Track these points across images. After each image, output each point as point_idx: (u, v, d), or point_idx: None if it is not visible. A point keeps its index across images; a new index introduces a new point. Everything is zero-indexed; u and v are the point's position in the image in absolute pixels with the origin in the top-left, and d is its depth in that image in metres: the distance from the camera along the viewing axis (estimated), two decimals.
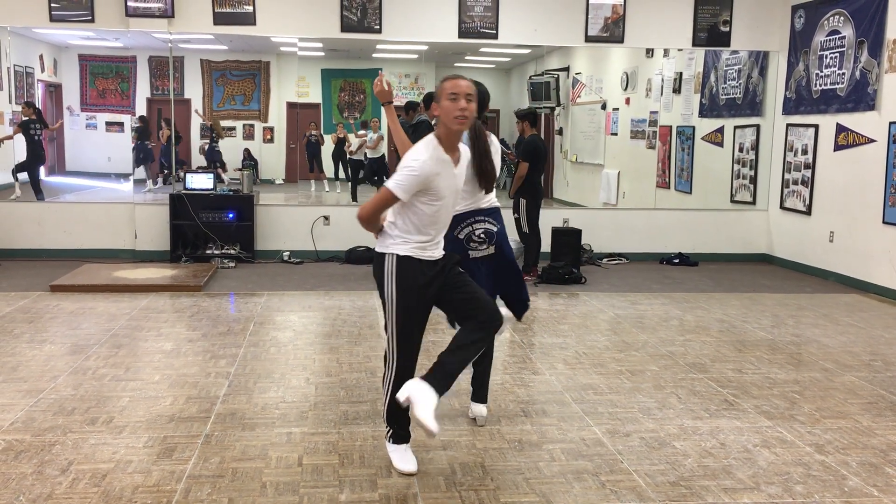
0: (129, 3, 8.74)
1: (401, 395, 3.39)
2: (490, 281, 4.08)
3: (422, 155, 3.38)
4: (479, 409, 4.25)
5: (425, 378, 3.42)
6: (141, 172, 13.39)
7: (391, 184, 3.36)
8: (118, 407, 4.37)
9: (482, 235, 4.02)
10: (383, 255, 3.50)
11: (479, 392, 4.28)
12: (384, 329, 3.64)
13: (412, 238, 3.46)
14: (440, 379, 3.44)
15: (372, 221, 3.48)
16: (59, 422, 4.13)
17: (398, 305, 3.48)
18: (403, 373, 3.54)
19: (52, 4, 8.70)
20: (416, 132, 8.21)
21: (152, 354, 5.41)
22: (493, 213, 4.08)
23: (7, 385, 4.68)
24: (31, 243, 9.11)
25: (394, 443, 3.71)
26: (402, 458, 3.66)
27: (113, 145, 14.24)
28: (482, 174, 3.94)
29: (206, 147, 13.82)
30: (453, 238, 3.97)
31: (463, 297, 3.55)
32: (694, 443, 4.04)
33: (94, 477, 3.49)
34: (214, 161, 13.62)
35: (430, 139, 3.46)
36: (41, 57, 12.99)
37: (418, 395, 3.36)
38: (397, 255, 3.46)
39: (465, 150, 3.64)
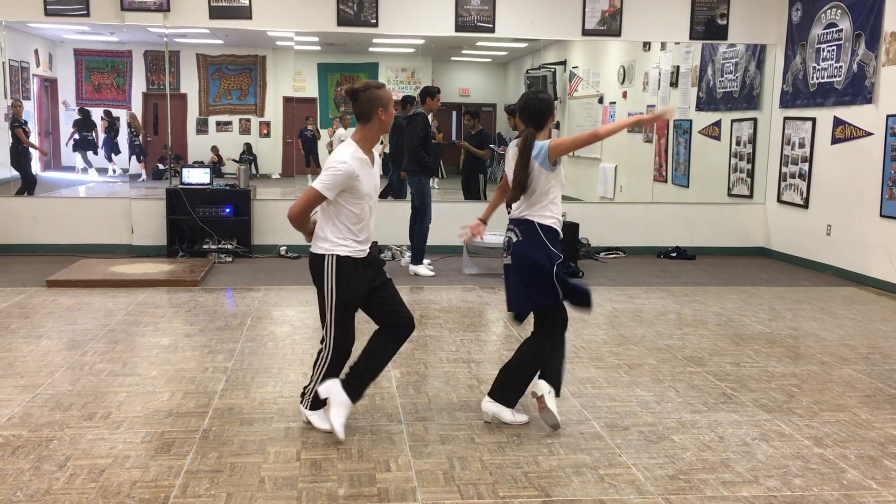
0: None
1: (322, 391, 3.84)
2: (520, 287, 4.10)
3: (346, 156, 3.68)
4: (544, 386, 4.10)
5: (344, 383, 3.86)
6: (81, 161, 13.72)
7: (317, 184, 3.67)
8: (115, 402, 4.36)
9: (505, 243, 4.15)
10: (322, 255, 3.79)
11: (554, 378, 4.17)
12: (321, 320, 3.94)
13: (347, 238, 3.78)
14: (355, 387, 3.89)
15: (301, 221, 3.80)
16: (56, 417, 4.11)
17: (337, 303, 3.81)
18: (337, 362, 3.95)
19: None
20: (410, 124, 8.20)
21: (149, 349, 5.40)
22: (522, 223, 4.06)
23: (4, 380, 4.67)
24: (27, 238, 9.09)
25: (311, 409, 4.02)
26: (323, 418, 3.95)
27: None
28: (517, 182, 4.00)
29: (131, 142, 13.80)
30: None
31: (384, 303, 3.95)
32: (692, 436, 4.04)
33: (92, 472, 3.48)
34: (86, 151, 13.73)
35: (352, 143, 3.77)
36: (36, 52, 12.93)
37: (337, 398, 3.82)
38: (337, 256, 3.77)
39: (377, 152, 3.98)
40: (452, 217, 8.42)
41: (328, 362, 3.94)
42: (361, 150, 3.78)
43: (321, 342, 3.99)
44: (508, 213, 4.16)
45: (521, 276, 4.07)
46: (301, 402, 4.11)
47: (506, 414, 4.11)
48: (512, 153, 4.11)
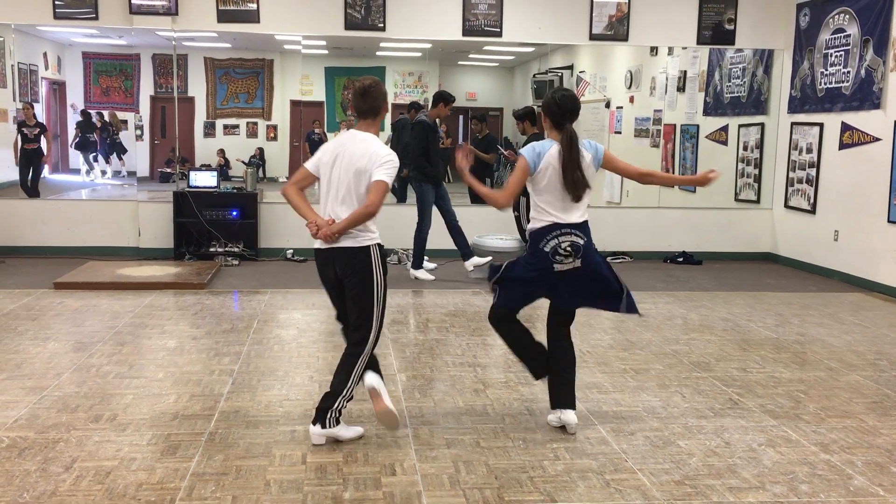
0: (132, 1, 8.73)
1: (367, 381, 3.88)
2: (575, 293, 4.12)
3: (389, 149, 3.83)
4: (570, 417, 4.11)
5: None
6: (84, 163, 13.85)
7: (386, 177, 3.74)
8: (122, 404, 4.37)
9: (568, 248, 3.98)
10: (369, 247, 3.80)
11: (568, 398, 4.15)
12: (361, 316, 3.83)
13: (375, 228, 3.87)
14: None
15: (377, 214, 3.78)
16: (62, 419, 4.12)
17: (385, 291, 3.89)
18: (372, 356, 3.96)
19: (56, 2, 8.70)
20: (413, 130, 8.20)
21: (156, 352, 5.41)
22: (581, 227, 4.03)
23: (11, 382, 4.68)
24: (34, 241, 9.11)
25: (337, 424, 3.88)
26: (348, 427, 3.95)
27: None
28: (572, 183, 3.96)
29: (108, 140, 13.86)
30: (538, 250, 4.00)
31: None
32: (699, 442, 4.03)
33: (98, 474, 3.49)
34: (116, 153, 13.80)
35: (374, 137, 3.87)
36: (45, 55, 12.99)
37: (380, 386, 3.89)
38: (379, 244, 3.87)
39: None
40: (462, 220, 8.38)
41: (367, 357, 3.85)
42: None
43: (354, 345, 3.84)
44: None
45: (593, 277, 4.13)
46: (319, 424, 3.83)
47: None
48: (555, 153, 3.99)
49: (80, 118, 13.74)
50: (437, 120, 8.33)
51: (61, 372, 4.89)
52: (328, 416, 3.83)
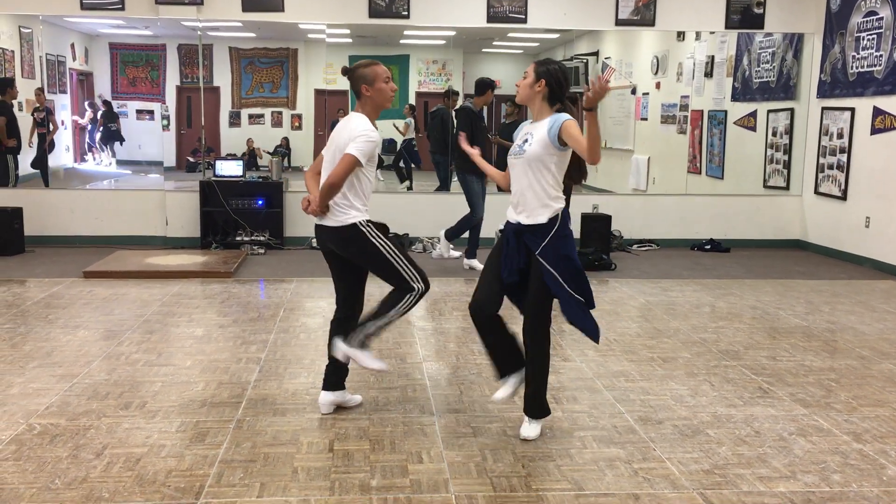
0: None
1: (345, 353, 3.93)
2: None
3: (370, 126, 3.85)
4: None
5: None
6: (107, 153, 13.88)
7: (355, 151, 3.75)
8: (151, 392, 4.40)
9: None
10: (355, 223, 3.85)
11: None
12: (389, 279, 3.89)
13: (363, 207, 3.90)
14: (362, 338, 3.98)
15: (340, 186, 3.81)
16: (93, 406, 4.17)
17: (394, 245, 3.89)
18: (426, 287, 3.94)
19: None
20: (458, 118, 8.15)
21: (184, 340, 5.45)
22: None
23: (42, 370, 4.74)
24: (64, 230, 9.22)
25: (364, 349, 3.92)
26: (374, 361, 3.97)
27: (144, 133, 14.36)
28: (579, 165, 3.92)
29: (102, 130, 13.90)
30: (571, 232, 3.79)
31: None
32: (728, 431, 3.99)
33: (128, 461, 3.52)
34: (112, 141, 13.85)
35: (362, 116, 3.91)
36: (72, 46, 13.09)
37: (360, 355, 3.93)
38: (367, 221, 3.90)
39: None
40: (487, 209, 8.32)
41: (416, 300, 3.88)
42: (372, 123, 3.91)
43: (401, 291, 3.88)
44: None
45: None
46: (342, 337, 3.93)
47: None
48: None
49: (103, 108, 13.83)
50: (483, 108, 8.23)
51: (91, 360, 4.95)
52: (356, 334, 3.91)
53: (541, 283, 3.70)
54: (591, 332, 3.79)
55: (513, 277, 3.77)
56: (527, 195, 3.74)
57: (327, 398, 4.13)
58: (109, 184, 12.71)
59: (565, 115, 3.71)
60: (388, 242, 3.90)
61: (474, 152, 4.34)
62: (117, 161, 13.93)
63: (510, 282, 3.78)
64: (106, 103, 13.88)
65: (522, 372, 3.90)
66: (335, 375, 4.13)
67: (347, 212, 3.86)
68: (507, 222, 3.85)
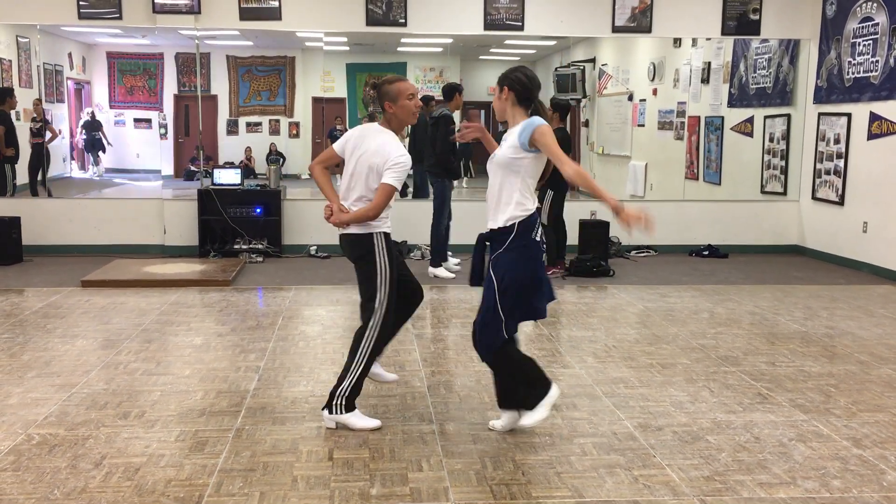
0: (156, 0, 8.78)
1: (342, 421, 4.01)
2: (550, 287, 3.83)
3: (402, 149, 3.92)
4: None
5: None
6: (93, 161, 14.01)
7: (393, 181, 3.84)
8: (150, 401, 4.40)
9: (543, 236, 3.81)
10: (370, 234, 3.94)
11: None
12: (368, 299, 4.02)
13: (385, 218, 3.98)
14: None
15: (378, 216, 3.91)
16: (91, 416, 4.16)
17: (390, 275, 3.98)
18: (382, 341, 4.08)
19: (81, 2, 8.76)
20: (435, 125, 8.14)
21: (182, 349, 5.44)
22: None
23: (40, 379, 4.73)
24: (62, 239, 9.21)
25: (346, 411, 4.01)
26: (361, 417, 4.05)
27: (141, 142, 14.37)
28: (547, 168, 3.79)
29: (86, 137, 13.91)
30: (532, 242, 3.69)
31: (400, 273, 4.12)
32: (728, 437, 3.99)
33: (127, 471, 3.51)
34: (95, 150, 13.89)
35: (391, 134, 3.98)
36: (70, 55, 13.12)
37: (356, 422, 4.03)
38: (384, 233, 3.98)
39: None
40: (480, 216, 8.34)
41: (373, 342, 3.98)
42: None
43: (361, 327, 4.02)
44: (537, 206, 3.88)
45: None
46: (327, 409, 4.02)
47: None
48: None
49: (88, 117, 13.84)
50: (457, 112, 8.32)
51: (90, 369, 4.94)
52: (334, 400, 4.01)
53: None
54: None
55: (475, 283, 3.84)
56: (494, 199, 3.72)
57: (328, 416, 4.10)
58: (102, 192, 12.71)
59: (538, 120, 3.66)
60: (389, 269, 3.97)
61: (486, 135, 4.31)
62: (114, 170, 13.96)
63: (477, 286, 3.84)
64: (90, 113, 13.89)
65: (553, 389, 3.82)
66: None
67: (367, 224, 3.95)
68: None
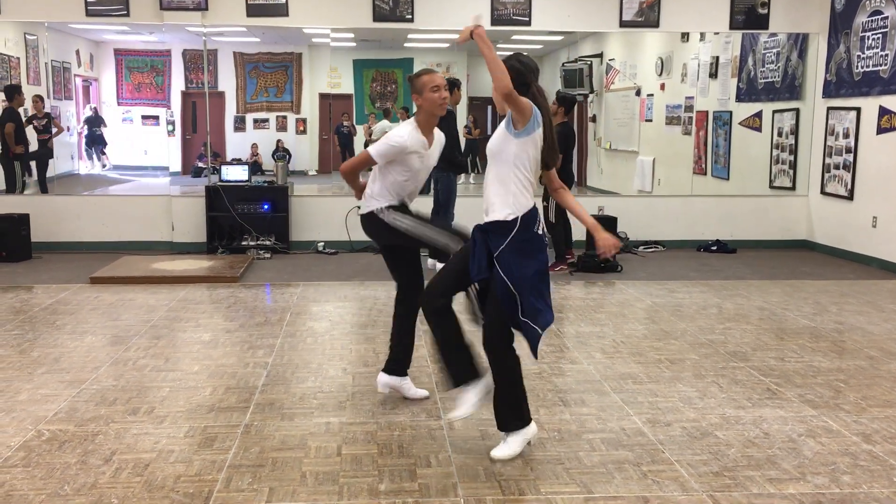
0: None
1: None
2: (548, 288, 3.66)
3: (405, 132, 4.05)
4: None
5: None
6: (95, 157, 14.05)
7: (372, 149, 4.06)
8: (159, 397, 4.41)
9: (545, 228, 3.73)
10: (373, 212, 4.13)
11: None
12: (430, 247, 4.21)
13: (387, 197, 4.14)
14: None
15: (350, 177, 4.20)
16: (101, 412, 4.17)
17: (417, 223, 4.12)
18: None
19: None
20: (443, 121, 8.13)
21: (191, 345, 5.46)
22: None
23: (50, 376, 4.75)
24: (70, 236, 9.24)
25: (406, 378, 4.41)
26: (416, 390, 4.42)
27: (149, 139, 14.41)
28: (549, 152, 3.58)
29: (87, 134, 13.93)
30: (535, 235, 3.55)
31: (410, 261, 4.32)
32: (737, 432, 3.98)
33: (137, 466, 3.52)
34: (98, 146, 13.91)
35: (412, 123, 4.11)
36: (77, 52, 13.15)
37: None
38: (389, 206, 4.13)
39: (438, 135, 4.25)
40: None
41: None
42: (420, 130, 4.10)
43: (399, 296, 4.32)
44: (544, 204, 3.79)
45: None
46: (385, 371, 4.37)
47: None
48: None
49: (90, 113, 13.88)
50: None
51: (99, 365, 4.96)
52: (389, 361, 4.37)
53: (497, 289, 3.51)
54: (531, 343, 3.59)
55: (482, 274, 3.54)
56: (489, 190, 3.55)
57: (383, 379, 4.38)
58: (110, 189, 12.75)
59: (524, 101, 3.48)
60: (407, 220, 4.11)
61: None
62: (122, 167, 13.99)
63: (479, 278, 3.57)
64: (93, 109, 13.93)
65: (482, 382, 3.68)
66: (395, 362, 4.36)
67: (369, 200, 4.17)
68: None
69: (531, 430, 3.69)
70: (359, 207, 4.34)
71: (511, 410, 3.65)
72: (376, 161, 4.05)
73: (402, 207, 4.16)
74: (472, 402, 3.67)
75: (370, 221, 4.17)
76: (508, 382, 3.64)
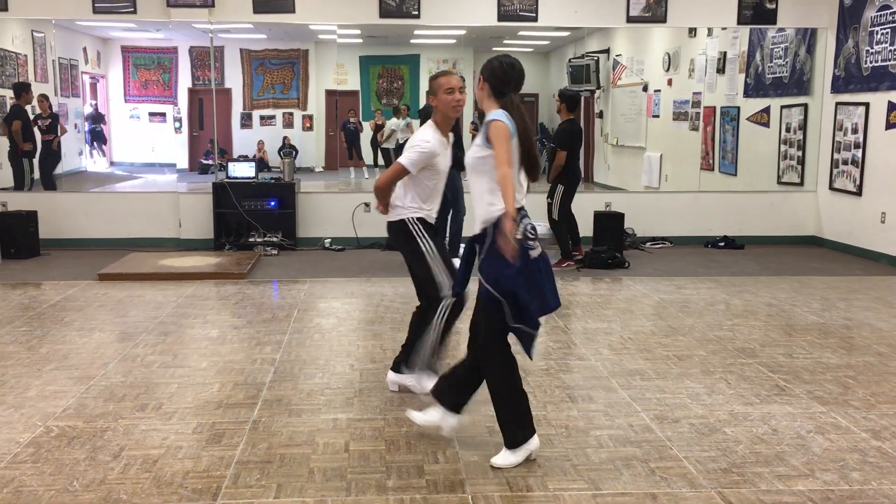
0: None
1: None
2: (552, 287, 3.54)
3: (429, 136, 4.09)
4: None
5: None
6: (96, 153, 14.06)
7: (403, 160, 4.05)
8: (167, 393, 4.42)
9: (532, 231, 3.46)
10: (403, 220, 4.16)
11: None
12: (422, 283, 4.22)
13: (421, 207, 4.17)
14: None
15: (385, 192, 4.15)
16: (109, 408, 4.19)
17: (435, 249, 4.16)
18: (453, 313, 4.23)
19: None
20: (422, 117, 8.19)
21: (199, 341, 5.47)
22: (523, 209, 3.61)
23: (59, 372, 4.77)
24: (78, 233, 9.27)
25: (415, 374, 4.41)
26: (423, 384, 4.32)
27: (156, 136, 14.43)
28: (529, 162, 3.52)
29: (88, 130, 13.92)
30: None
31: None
32: (745, 429, 3.97)
33: (146, 462, 3.53)
34: (98, 142, 13.90)
35: (431, 125, 4.15)
36: (84, 49, 13.18)
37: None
38: (417, 217, 4.17)
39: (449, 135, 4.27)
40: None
41: (441, 319, 4.19)
42: (439, 131, 4.14)
43: (423, 307, 4.28)
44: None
45: (547, 269, 3.56)
46: (392, 370, 4.46)
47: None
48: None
49: (91, 110, 13.90)
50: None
51: (107, 362, 4.97)
52: (397, 361, 4.43)
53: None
54: (525, 345, 3.52)
55: (460, 288, 3.83)
56: (473, 202, 3.54)
57: (392, 377, 4.46)
58: (117, 186, 12.78)
59: (496, 114, 3.41)
60: (432, 244, 4.17)
61: None
62: (129, 164, 14.03)
63: (458, 293, 3.91)
64: (93, 105, 13.96)
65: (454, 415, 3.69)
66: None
67: (398, 209, 4.18)
68: None
69: (533, 443, 3.58)
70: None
71: (516, 423, 3.56)
72: (410, 170, 4.04)
73: (431, 228, 4.22)
74: (435, 418, 3.76)
75: (400, 229, 4.18)
76: (506, 392, 3.54)
